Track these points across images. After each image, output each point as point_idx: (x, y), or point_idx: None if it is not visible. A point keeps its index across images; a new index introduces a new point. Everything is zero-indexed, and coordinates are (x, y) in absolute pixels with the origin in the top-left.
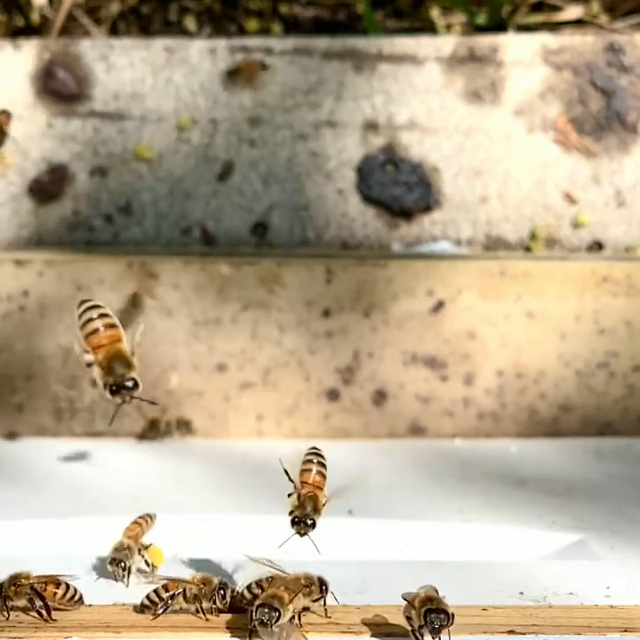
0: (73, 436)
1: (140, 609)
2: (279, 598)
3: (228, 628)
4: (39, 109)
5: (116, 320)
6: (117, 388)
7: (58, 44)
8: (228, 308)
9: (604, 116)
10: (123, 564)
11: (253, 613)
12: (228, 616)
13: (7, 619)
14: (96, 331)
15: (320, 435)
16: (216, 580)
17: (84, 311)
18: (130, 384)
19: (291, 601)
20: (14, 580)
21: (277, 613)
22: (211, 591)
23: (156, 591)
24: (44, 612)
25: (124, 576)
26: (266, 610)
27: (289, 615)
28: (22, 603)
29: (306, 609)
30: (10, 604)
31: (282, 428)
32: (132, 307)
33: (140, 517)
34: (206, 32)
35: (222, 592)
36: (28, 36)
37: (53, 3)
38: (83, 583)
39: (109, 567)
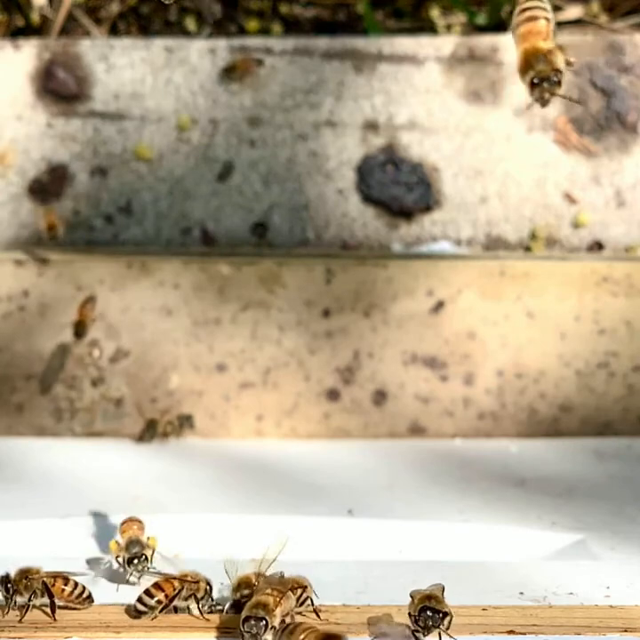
0: (73, 436)
1: (135, 614)
2: (264, 605)
3: (228, 627)
4: (39, 109)
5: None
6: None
7: (58, 44)
8: (228, 308)
9: (604, 115)
10: (145, 558)
11: (241, 627)
12: (229, 616)
13: (19, 619)
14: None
15: (320, 435)
16: (202, 575)
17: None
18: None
19: (277, 605)
20: (25, 574)
21: (264, 622)
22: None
23: (148, 594)
24: (48, 609)
25: (148, 569)
26: (252, 622)
27: (278, 620)
28: (31, 598)
29: (298, 613)
30: (20, 599)
31: (282, 428)
32: (76, 336)
33: (129, 520)
34: (206, 32)
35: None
36: (27, 36)
37: (53, 3)
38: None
39: (129, 567)
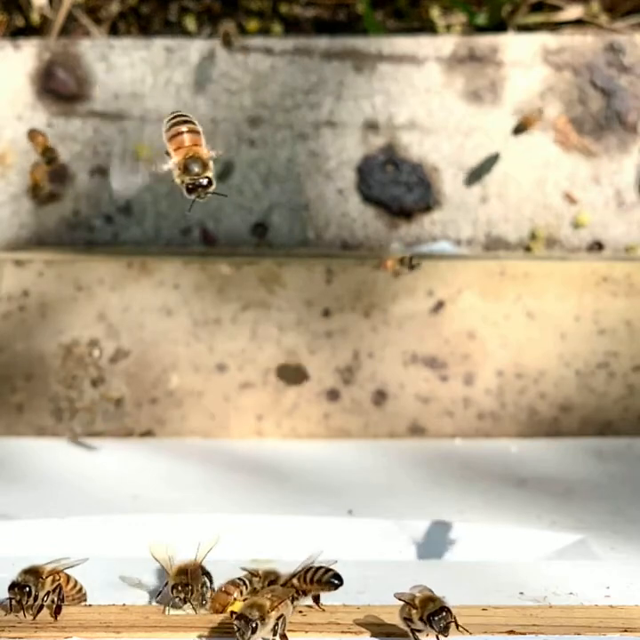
0: (73, 436)
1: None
2: (259, 606)
3: (227, 627)
4: (39, 109)
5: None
6: None
7: (58, 44)
8: (228, 308)
9: (604, 115)
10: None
11: (234, 622)
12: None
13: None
14: None
15: (320, 435)
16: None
17: None
18: None
19: (273, 608)
20: (38, 574)
21: (255, 625)
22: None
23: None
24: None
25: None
26: (242, 622)
27: (271, 624)
28: (44, 599)
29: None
30: (36, 602)
31: (282, 428)
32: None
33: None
34: (206, 32)
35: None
36: (27, 36)
37: (53, 3)
38: (83, 583)
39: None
